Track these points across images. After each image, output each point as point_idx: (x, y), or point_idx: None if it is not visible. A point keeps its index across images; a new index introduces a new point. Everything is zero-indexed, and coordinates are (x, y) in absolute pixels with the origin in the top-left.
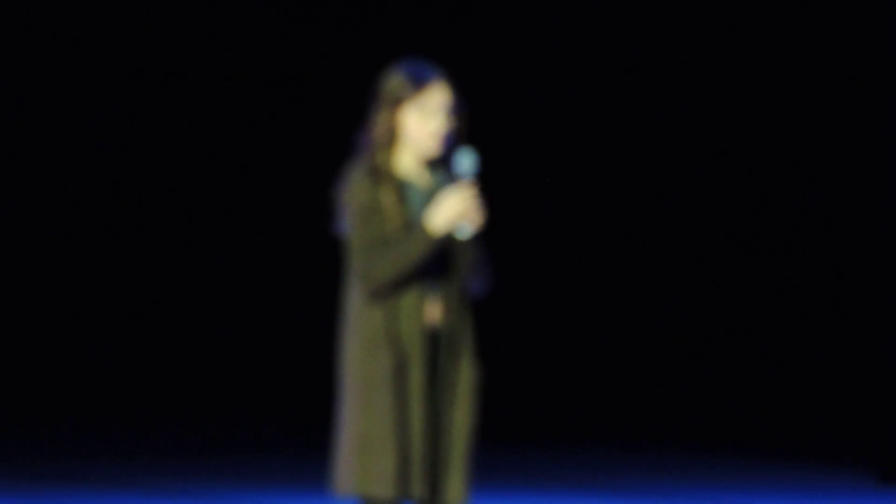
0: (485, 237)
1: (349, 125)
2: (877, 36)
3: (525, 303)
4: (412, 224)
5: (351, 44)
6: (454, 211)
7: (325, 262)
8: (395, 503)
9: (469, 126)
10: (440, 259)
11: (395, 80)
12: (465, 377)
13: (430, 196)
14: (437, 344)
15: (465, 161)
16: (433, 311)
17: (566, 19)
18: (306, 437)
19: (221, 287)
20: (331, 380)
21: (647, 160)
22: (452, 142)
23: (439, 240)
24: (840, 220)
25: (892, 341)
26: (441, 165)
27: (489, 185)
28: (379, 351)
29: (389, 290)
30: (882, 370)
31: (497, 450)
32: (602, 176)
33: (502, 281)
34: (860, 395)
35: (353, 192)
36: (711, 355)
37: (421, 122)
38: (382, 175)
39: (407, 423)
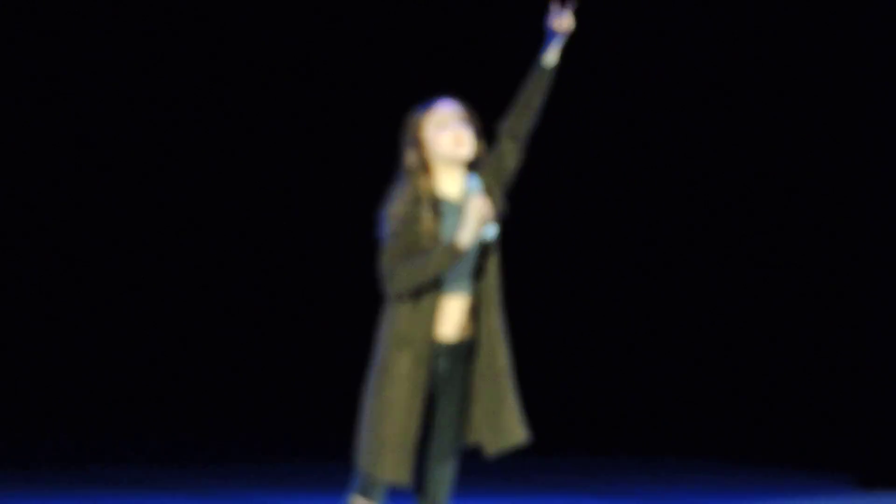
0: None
1: (391, 145)
2: (859, 36)
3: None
4: (441, 240)
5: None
6: (476, 222)
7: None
8: (392, 483)
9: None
10: (471, 272)
11: (409, 117)
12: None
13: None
14: (458, 354)
15: (473, 181)
16: (454, 320)
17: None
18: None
19: (253, 301)
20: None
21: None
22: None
23: (464, 253)
24: (826, 228)
25: (874, 346)
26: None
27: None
28: (403, 348)
29: (411, 294)
30: (863, 374)
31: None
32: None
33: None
34: (841, 400)
35: (393, 206)
36: (691, 361)
37: (437, 132)
38: (421, 195)
39: (413, 413)
